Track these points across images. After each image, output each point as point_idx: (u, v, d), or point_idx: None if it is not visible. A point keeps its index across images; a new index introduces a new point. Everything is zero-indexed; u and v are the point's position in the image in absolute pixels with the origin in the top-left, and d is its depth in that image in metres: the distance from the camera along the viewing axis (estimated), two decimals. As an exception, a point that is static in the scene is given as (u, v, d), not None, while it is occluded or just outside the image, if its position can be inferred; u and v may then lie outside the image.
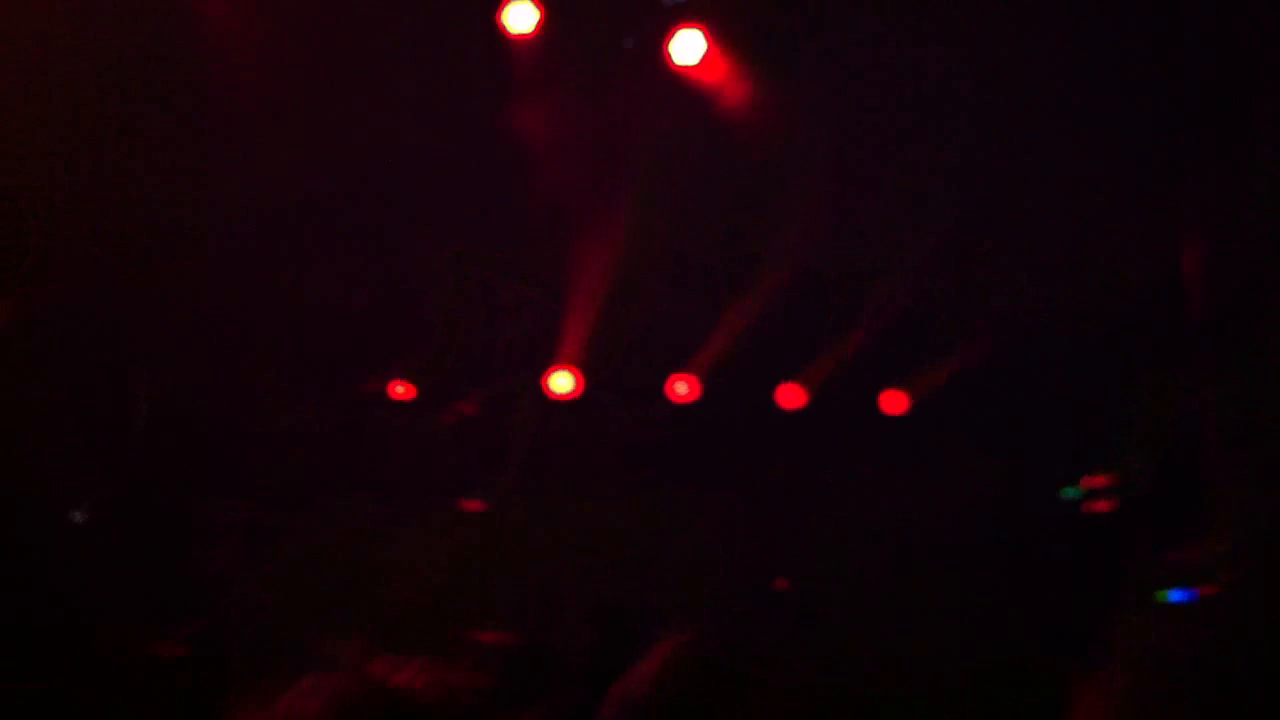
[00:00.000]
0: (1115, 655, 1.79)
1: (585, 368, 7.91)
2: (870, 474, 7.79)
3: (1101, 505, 7.81)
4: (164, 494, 6.92)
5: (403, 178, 6.87)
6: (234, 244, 6.88)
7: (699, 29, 6.84)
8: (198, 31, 6.09)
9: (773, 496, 7.81)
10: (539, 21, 6.62)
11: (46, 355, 6.57)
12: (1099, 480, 7.82)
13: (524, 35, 6.66)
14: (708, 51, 6.86)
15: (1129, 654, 1.77)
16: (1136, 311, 7.08)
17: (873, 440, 8.01)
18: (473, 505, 7.95)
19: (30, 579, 6.17)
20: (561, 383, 7.99)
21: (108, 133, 6.32)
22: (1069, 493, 7.85)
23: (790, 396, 8.18)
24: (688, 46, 6.86)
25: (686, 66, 6.90)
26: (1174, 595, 5.32)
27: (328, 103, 6.45)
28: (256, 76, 6.17)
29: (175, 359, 7.18)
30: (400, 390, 8.00)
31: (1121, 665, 1.76)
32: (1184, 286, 6.71)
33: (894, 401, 8.17)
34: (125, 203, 6.57)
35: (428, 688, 1.48)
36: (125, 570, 6.37)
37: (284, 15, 6.16)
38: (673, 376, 8.06)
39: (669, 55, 6.85)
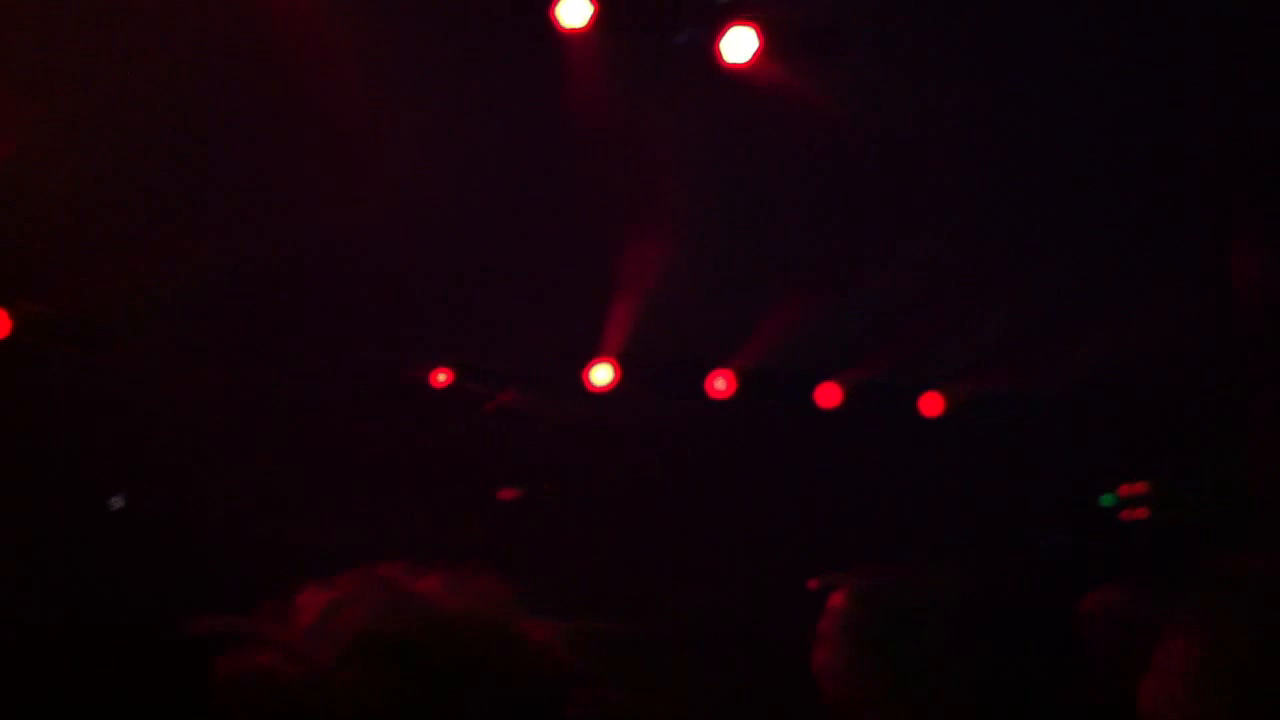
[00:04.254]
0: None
1: (625, 361, 7.92)
2: (902, 475, 7.80)
3: (1139, 513, 7.79)
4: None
5: (452, 170, 6.88)
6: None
7: (752, 26, 6.83)
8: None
9: (807, 496, 7.82)
10: (592, 16, 6.62)
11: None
12: (1137, 488, 7.80)
13: (577, 29, 6.67)
14: (760, 49, 6.86)
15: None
16: (1187, 322, 7.06)
17: (908, 442, 8.02)
18: (508, 494, 7.98)
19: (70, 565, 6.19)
20: (601, 375, 8.01)
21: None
22: (1106, 500, 7.83)
23: (828, 395, 8.18)
24: (739, 44, 6.86)
25: (738, 64, 6.90)
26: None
27: (385, 105, 6.48)
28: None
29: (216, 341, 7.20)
30: (441, 378, 8.02)
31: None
32: (1234, 298, 6.68)
33: (932, 404, 8.17)
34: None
35: (452, 596, 1.48)
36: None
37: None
38: (713, 372, 8.07)
39: (720, 52, 6.85)
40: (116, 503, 6.43)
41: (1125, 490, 7.85)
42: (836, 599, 2.31)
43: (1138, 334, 7.30)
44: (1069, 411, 7.61)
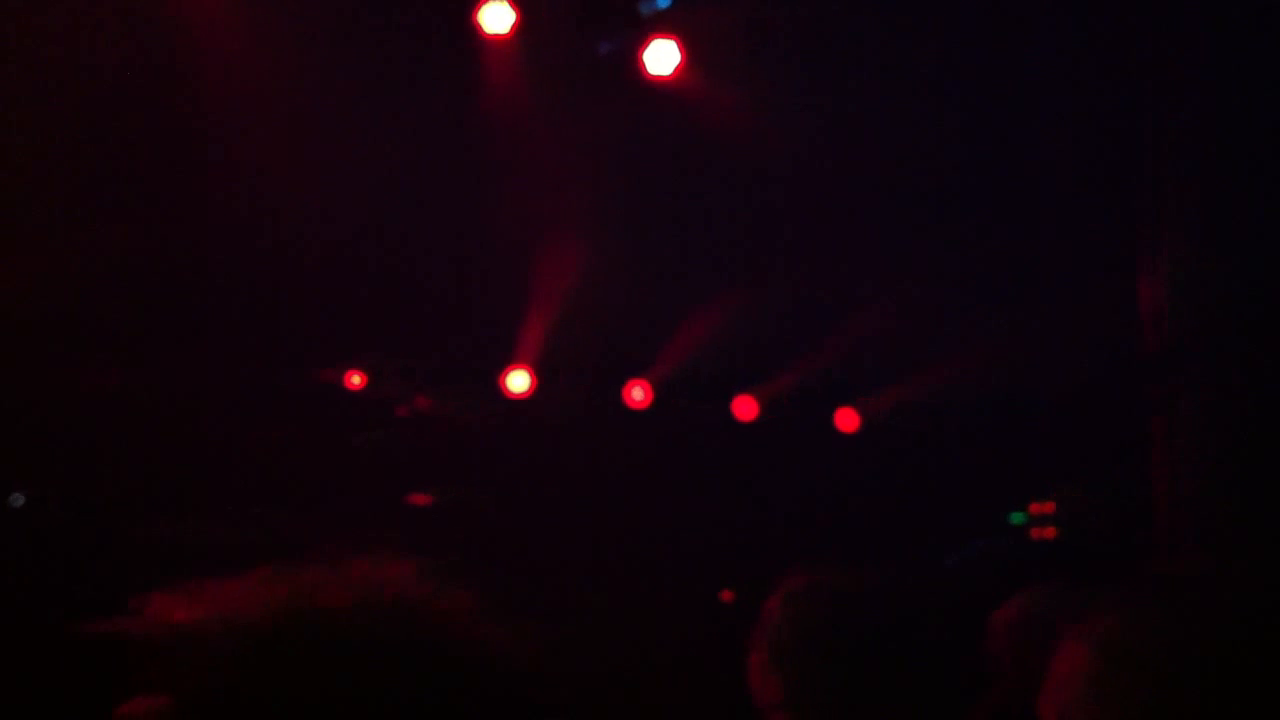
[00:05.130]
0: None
1: (541, 369, 7.92)
2: (821, 489, 7.84)
3: (1048, 532, 7.88)
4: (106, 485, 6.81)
5: (371, 176, 6.85)
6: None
7: (673, 39, 6.87)
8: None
9: (721, 506, 7.84)
10: (514, 23, 6.62)
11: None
12: (1046, 507, 7.89)
13: (500, 36, 6.67)
14: (681, 62, 6.90)
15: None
16: (1092, 338, 7.16)
17: (823, 456, 8.07)
18: (420, 500, 7.94)
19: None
20: (518, 382, 8.00)
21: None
22: (1015, 518, 7.92)
23: (745, 408, 8.22)
24: (662, 56, 6.89)
25: (660, 76, 6.93)
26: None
27: (302, 101, 6.43)
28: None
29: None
30: (356, 381, 7.97)
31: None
32: (1140, 315, 6.78)
33: (847, 419, 8.22)
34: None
35: (370, 575, 1.47)
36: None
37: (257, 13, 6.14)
38: (630, 382, 8.08)
39: (643, 64, 6.88)
40: (16, 500, 6.33)
41: (1035, 508, 7.94)
42: (772, 603, 2.31)
43: (1047, 348, 7.39)
44: (980, 423, 7.69)
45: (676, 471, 7.99)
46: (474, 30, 6.62)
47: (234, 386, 7.30)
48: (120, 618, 1.47)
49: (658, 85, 6.94)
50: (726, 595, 7.53)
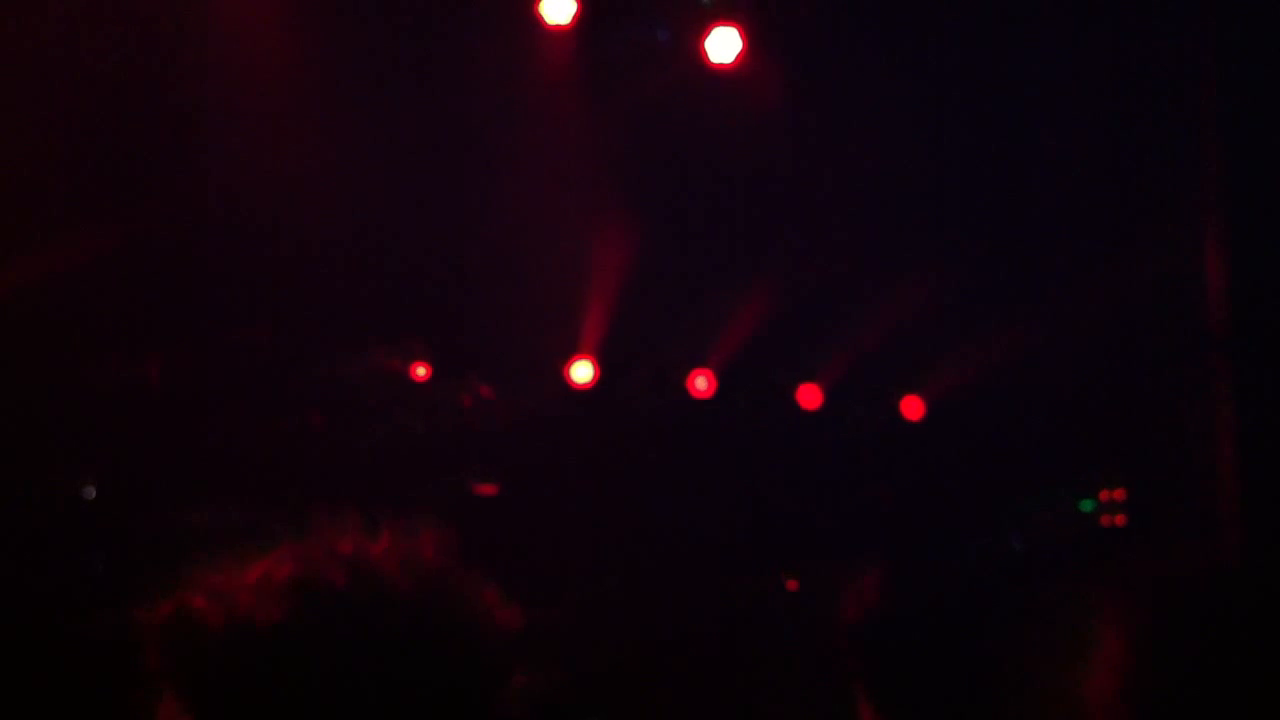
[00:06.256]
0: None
1: (605, 358, 7.92)
2: (884, 478, 7.81)
3: (1118, 519, 7.81)
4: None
5: (434, 165, 6.88)
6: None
7: (735, 27, 6.86)
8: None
9: (784, 495, 7.83)
10: (575, 14, 6.64)
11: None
12: (1117, 493, 7.82)
13: (561, 27, 6.69)
14: (743, 50, 6.88)
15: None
16: (1153, 323, 7.10)
17: (888, 444, 8.03)
18: (485, 490, 7.96)
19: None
20: (582, 372, 8.01)
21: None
22: (1085, 506, 7.84)
23: (809, 397, 8.19)
24: (723, 44, 6.88)
25: (722, 64, 6.92)
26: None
27: (363, 88, 6.46)
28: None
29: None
30: (421, 371, 8.00)
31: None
32: (1203, 298, 6.71)
33: (912, 407, 8.17)
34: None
35: (397, 565, 1.47)
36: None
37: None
38: (694, 371, 8.07)
39: (705, 52, 6.88)
40: (89, 493, 6.39)
41: (1105, 496, 7.87)
42: (869, 582, 2.24)
43: (1109, 330, 7.33)
44: (1041, 405, 7.63)
45: (740, 460, 7.98)
46: (535, 21, 6.64)
47: (292, 376, 7.34)
48: (141, 605, 1.48)
49: (719, 73, 6.93)
50: (791, 584, 7.51)
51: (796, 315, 7.78)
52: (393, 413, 7.68)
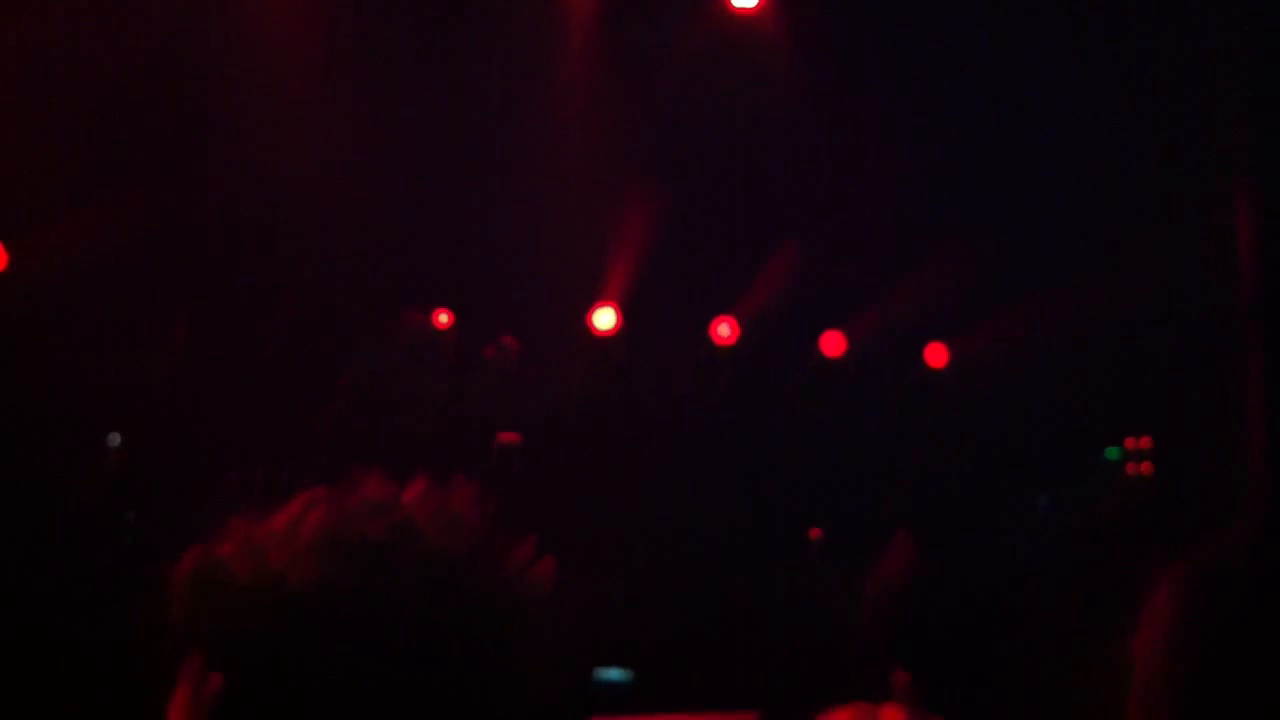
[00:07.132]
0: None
1: (628, 306, 7.89)
2: (905, 426, 7.78)
3: (1144, 467, 7.77)
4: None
5: (455, 118, 6.84)
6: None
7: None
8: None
9: (808, 445, 7.80)
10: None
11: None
12: (1142, 442, 7.78)
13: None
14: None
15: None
16: (1190, 292, 7.02)
17: (910, 393, 7.99)
18: (509, 437, 7.94)
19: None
20: (605, 319, 7.98)
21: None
22: (1111, 454, 7.81)
23: (832, 344, 8.15)
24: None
25: (745, 8, 6.84)
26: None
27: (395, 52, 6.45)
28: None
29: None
30: (444, 319, 7.98)
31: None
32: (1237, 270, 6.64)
33: (937, 354, 8.13)
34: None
35: (430, 514, 1.44)
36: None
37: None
38: (716, 318, 8.03)
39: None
40: (114, 440, 6.40)
41: (1130, 443, 7.83)
42: (898, 550, 2.19)
43: (1140, 293, 7.27)
44: (1069, 364, 7.57)
45: (764, 409, 7.95)
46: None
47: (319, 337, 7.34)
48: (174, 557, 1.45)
49: (742, 18, 6.85)
50: (814, 532, 7.49)
51: (823, 262, 7.73)
52: (418, 364, 7.65)
